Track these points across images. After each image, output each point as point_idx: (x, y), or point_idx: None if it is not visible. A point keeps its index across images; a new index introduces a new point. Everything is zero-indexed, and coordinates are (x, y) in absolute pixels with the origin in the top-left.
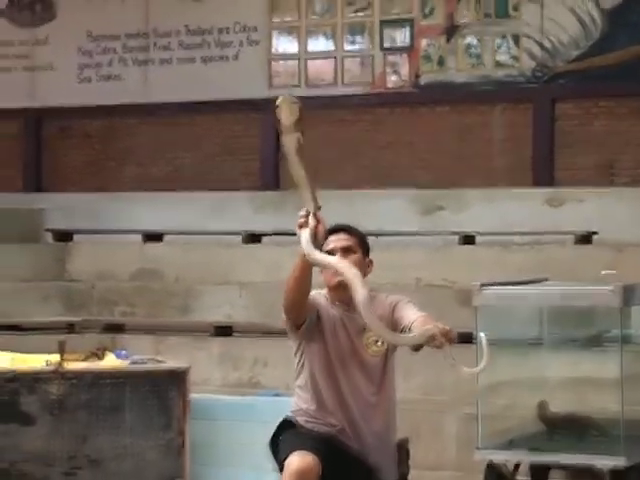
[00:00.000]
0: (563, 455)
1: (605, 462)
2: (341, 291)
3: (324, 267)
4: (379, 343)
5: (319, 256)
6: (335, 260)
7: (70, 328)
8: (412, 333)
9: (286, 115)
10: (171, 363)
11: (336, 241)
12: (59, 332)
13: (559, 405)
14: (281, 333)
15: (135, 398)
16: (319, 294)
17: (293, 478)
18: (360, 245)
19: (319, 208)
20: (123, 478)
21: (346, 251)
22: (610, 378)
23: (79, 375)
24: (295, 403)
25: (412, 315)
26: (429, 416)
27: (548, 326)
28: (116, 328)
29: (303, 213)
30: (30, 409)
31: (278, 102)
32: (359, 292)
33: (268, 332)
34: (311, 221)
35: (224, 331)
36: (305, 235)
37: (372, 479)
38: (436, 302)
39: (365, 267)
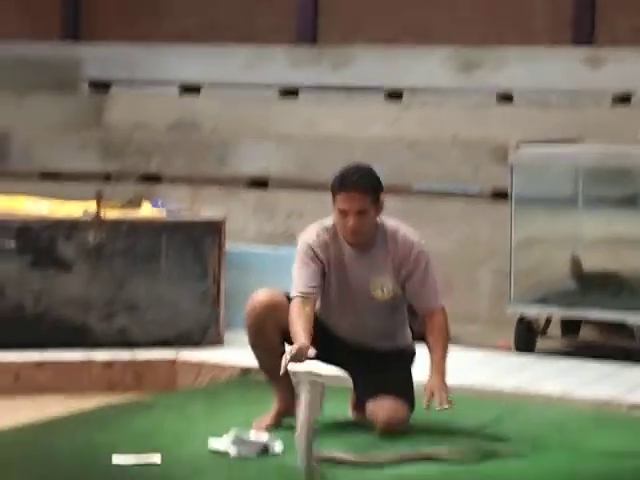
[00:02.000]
0: (594, 311)
1: (636, 319)
2: (355, 242)
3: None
4: (385, 291)
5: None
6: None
7: (107, 177)
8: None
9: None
10: (207, 213)
11: (349, 202)
12: (96, 181)
13: (592, 263)
14: (317, 186)
15: (171, 247)
16: (319, 236)
17: (253, 306)
18: (372, 200)
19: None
20: (159, 325)
21: (359, 214)
22: None
23: (116, 223)
24: None
25: (425, 303)
26: (463, 269)
27: (583, 186)
28: (153, 178)
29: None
30: (68, 256)
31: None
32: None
33: (304, 185)
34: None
35: (260, 183)
36: (290, 351)
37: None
38: (472, 158)
39: (376, 214)
